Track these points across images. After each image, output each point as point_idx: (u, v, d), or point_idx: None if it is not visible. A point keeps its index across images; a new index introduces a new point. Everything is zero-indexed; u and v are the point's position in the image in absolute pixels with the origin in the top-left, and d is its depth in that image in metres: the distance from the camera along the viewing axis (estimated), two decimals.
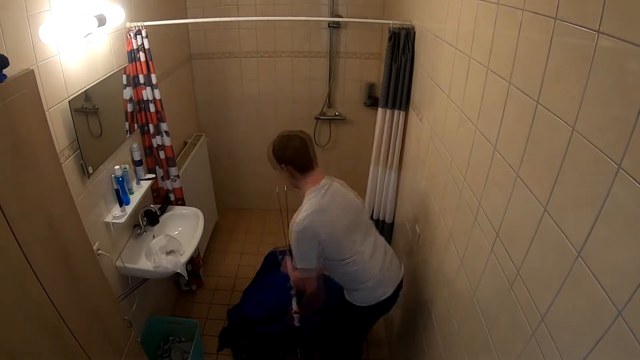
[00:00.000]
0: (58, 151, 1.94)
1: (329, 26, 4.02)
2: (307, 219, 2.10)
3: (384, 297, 2.30)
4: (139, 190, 2.79)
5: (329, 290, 2.35)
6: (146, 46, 2.70)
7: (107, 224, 2.52)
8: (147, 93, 2.83)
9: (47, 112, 1.91)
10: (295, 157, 2.17)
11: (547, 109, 1.14)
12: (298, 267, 2.20)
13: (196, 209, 3.25)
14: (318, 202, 2.15)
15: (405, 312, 2.82)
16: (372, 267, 2.27)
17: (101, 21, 2.23)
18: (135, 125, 2.90)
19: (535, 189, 1.20)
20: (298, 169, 2.19)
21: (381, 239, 2.42)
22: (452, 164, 1.96)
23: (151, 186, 3.05)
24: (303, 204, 2.19)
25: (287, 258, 2.53)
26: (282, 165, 2.20)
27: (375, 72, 4.18)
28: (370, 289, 2.28)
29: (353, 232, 2.25)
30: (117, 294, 2.61)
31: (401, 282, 2.39)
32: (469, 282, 1.70)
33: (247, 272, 4.05)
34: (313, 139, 2.26)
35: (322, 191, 2.18)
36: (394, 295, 2.36)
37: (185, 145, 4.04)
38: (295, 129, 2.25)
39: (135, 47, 2.68)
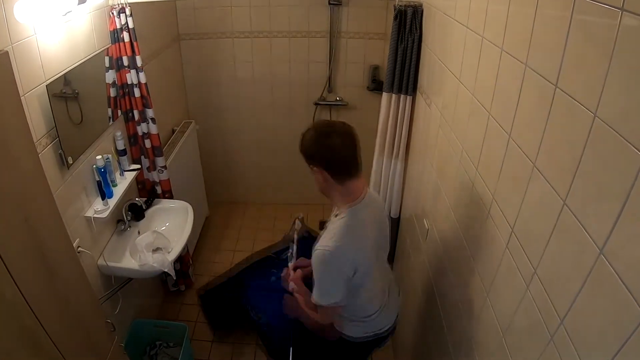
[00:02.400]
0: (35, 140, 1.93)
1: (329, 3, 3.99)
2: (339, 241, 1.82)
3: (385, 328, 2.19)
4: (123, 183, 2.79)
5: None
6: (130, 25, 2.69)
7: (88, 219, 2.52)
8: (131, 76, 2.82)
9: (22, 98, 1.90)
10: (333, 159, 1.83)
11: (566, 93, 1.13)
12: (320, 303, 1.93)
13: (185, 203, 3.24)
14: (353, 219, 1.87)
15: (413, 314, 2.82)
16: (381, 295, 2.15)
17: None
18: (119, 112, 2.90)
19: (553, 181, 1.20)
20: (335, 175, 1.85)
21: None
22: (464, 153, 1.95)
23: (136, 178, 3.06)
24: (334, 220, 1.92)
25: (286, 268, 2.33)
26: (312, 167, 1.88)
27: (380, 53, 4.17)
28: (375, 319, 2.13)
29: (378, 252, 2.07)
30: (99, 295, 2.62)
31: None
32: (482, 282, 1.70)
33: None
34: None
35: (361, 206, 1.91)
36: (394, 326, 2.26)
37: (173, 133, 4.04)
38: (337, 121, 1.93)
39: (118, 26, 2.67)
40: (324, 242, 1.85)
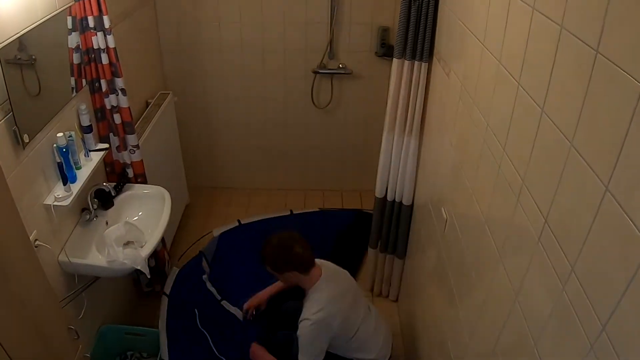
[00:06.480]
0: None
1: None
2: (323, 311, 2.61)
3: None
4: (88, 165, 2.79)
5: None
6: None
7: (48, 208, 2.52)
8: (97, 40, 2.80)
9: None
10: (299, 261, 2.69)
11: (609, 59, 1.12)
12: None
13: (161, 188, 3.25)
14: (328, 291, 2.70)
15: (428, 318, 2.84)
16: (376, 339, 2.90)
17: None
18: (83, 82, 2.88)
19: (594, 163, 1.19)
20: (303, 271, 2.71)
21: (372, 306, 3.08)
22: (488, 129, 1.95)
23: (104, 159, 3.05)
24: (309, 297, 2.71)
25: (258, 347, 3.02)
26: (287, 273, 2.73)
27: (390, 13, 4.14)
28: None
29: (357, 306, 2.85)
30: (60, 296, 2.63)
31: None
32: (510, 281, 1.70)
33: None
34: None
35: (327, 280, 2.74)
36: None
37: (148, 106, 4.03)
38: (282, 232, 2.81)
39: None
40: (307, 315, 2.62)
